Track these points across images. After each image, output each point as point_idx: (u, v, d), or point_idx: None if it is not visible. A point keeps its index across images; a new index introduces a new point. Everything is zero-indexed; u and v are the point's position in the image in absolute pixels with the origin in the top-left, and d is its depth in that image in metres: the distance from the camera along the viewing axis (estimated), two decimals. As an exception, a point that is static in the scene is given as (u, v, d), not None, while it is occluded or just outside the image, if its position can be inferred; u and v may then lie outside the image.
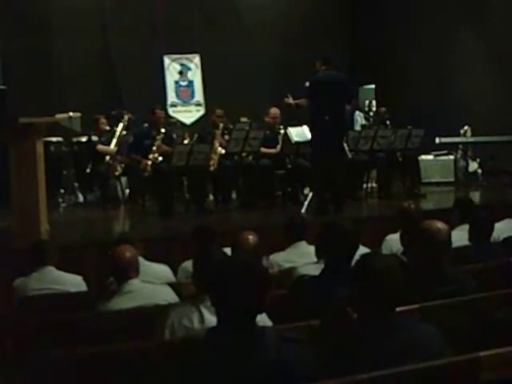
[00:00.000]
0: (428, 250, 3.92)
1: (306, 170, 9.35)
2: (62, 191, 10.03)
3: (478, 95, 12.05)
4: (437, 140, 11.27)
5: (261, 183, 9.45)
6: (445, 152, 11.54)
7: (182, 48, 12.67)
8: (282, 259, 5.34)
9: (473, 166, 11.35)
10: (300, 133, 9.71)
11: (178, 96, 12.71)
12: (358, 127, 11.73)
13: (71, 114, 10.47)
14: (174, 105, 12.63)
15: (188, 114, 12.66)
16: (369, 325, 2.81)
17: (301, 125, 9.72)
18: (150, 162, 9.19)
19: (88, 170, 9.98)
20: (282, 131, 9.83)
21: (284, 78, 12.60)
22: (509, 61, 11.84)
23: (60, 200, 9.89)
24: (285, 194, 9.88)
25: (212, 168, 9.26)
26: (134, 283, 4.26)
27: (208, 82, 12.68)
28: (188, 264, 4.96)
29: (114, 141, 9.91)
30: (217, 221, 8.35)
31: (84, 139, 10.27)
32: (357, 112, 12.23)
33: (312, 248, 4.67)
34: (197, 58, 12.82)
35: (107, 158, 9.80)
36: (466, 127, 11.33)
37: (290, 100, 9.17)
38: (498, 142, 11.16)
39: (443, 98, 12.57)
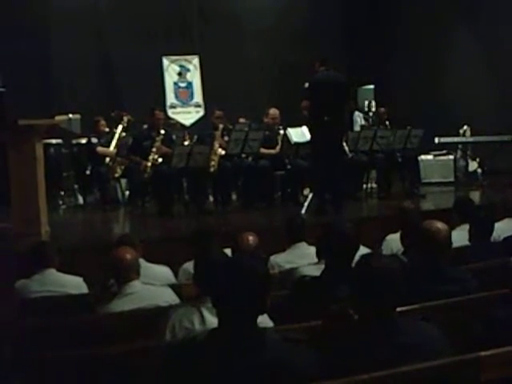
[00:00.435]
0: (428, 250, 3.92)
1: (306, 171, 9.35)
2: (62, 193, 10.04)
3: (477, 95, 12.06)
4: (436, 140, 11.28)
5: (260, 184, 9.46)
6: (444, 152, 11.54)
7: (180, 49, 12.68)
8: (282, 260, 5.35)
9: (472, 165, 11.36)
10: (299, 133, 9.72)
11: (177, 97, 12.72)
12: (357, 128, 11.75)
13: (71, 115, 10.48)
14: (173, 106, 12.64)
15: (187, 116, 12.66)
16: (369, 325, 2.81)
17: (300, 125, 9.73)
18: (149, 164, 9.20)
19: (88, 172, 9.98)
20: (282, 132, 9.84)
21: (283, 78, 12.61)
22: (507, 60, 11.85)
23: (60, 202, 9.90)
24: (284, 195, 9.88)
25: (212, 169, 9.27)
26: (135, 285, 4.26)
27: (207, 84, 12.68)
28: (189, 265, 4.97)
29: (114, 142, 9.92)
30: (217, 222, 8.35)
31: (84, 141, 10.26)
32: (356, 112, 12.25)
33: (312, 249, 4.68)
34: (196, 60, 12.83)
35: (107, 159, 9.80)
36: (465, 127, 11.35)
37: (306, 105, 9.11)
38: (498, 142, 11.17)
39: (442, 98, 12.59)
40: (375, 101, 13.19)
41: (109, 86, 12.48)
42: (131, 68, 12.17)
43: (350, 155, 9.79)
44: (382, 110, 11.13)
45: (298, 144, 9.70)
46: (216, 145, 9.41)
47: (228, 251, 4.61)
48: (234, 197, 9.81)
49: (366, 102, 13.02)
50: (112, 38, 12.58)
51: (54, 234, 7.25)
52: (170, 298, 4.32)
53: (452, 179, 11.34)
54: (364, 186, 10.37)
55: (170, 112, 12.45)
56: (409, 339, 2.77)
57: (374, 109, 12.50)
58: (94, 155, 9.91)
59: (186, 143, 10.11)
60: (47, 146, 9.48)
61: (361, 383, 2.60)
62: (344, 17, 14.21)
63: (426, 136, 10.31)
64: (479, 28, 12.53)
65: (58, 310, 4.47)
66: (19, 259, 5.68)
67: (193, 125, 12.39)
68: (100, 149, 9.90)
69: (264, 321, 3.20)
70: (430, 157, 11.49)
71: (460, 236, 5.11)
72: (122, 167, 9.79)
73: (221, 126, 9.60)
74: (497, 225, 5.34)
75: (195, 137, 10.11)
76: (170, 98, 12.66)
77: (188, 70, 12.84)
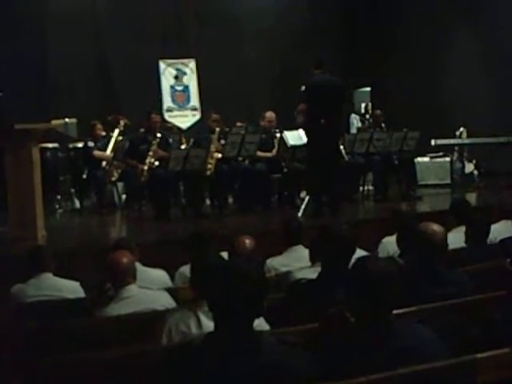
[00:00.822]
0: (425, 253, 3.93)
1: (302, 174, 9.36)
2: (59, 197, 10.03)
3: (474, 96, 12.08)
4: (432, 142, 11.29)
5: (257, 187, 9.45)
6: (441, 154, 11.56)
7: (177, 53, 12.68)
8: (278, 263, 5.34)
9: (469, 167, 11.37)
10: (296, 136, 9.72)
11: (173, 101, 12.71)
12: (353, 130, 11.75)
13: (67, 119, 10.48)
14: (169, 109, 12.63)
15: (184, 119, 12.65)
16: (366, 328, 2.81)
17: (296, 128, 9.73)
18: (146, 167, 9.20)
19: (84, 176, 9.96)
20: (278, 135, 9.84)
21: (280, 81, 12.61)
22: (504, 62, 11.87)
23: (57, 206, 9.89)
24: (281, 198, 9.89)
25: (208, 172, 9.27)
26: (132, 289, 4.26)
27: (204, 87, 12.68)
28: (185, 269, 4.96)
29: (110, 146, 9.91)
30: (213, 225, 8.35)
31: (80, 145, 10.26)
32: (353, 115, 12.25)
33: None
34: (192, 63, 12.82)
35: (103, 163, 9.79)
36: (461, 129, 11.36)
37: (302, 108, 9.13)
38: (494, 143, 11.19)
39: (439, 100, 12.61)
40: (371, 103, 13.19)
41: (105, 89, 12.48)
42: (128, 71, 12.17)
43: (347, 158, 9.81)
44: (378, 112, 11.14)
45: (294, 147, 9.70)
46: (213, 148, 9.42)
47: (225, 254, 4.61)
48: (230, 200, 9.81)
49: (363, 105, 13.02)
50: (109, 41, 12.58)
51: (51, 238, 7.25)
52: (166, 301, 4.32)
53: (448, 181, 11.35)
54: (360, 188, 10.39)
55: (166, 115, 12.44)
56: (405, 342, 2.77)
57: (370, 111, 12.49)
58: (90, 159, 9.90)
59: (183, 147, 10.11)
60: (44, 150, 9.48)
61: (358, 386, 2.60)
62: (340, 19, 14.22)
63: (422, 138, 10.33)
64: (477, 30, 12.56)
65: (55, 314, 4.46)
66: (16, 263, 5.68)
67: (189, 128, 12.37)
68: (97, 153, 9.89)
69: (260, 324, 3.20)
70: (426, 159, 11.51)
71: (456, 238, 5.12)
72: (119, 171, 9.78)
73: (217, 129, 9.61)
74: (493, 227, 5.35)
75: (192, 140, 10.11)
76: (167, 101, 12.64)
77: (184, 74, 12.83)
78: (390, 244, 5.60)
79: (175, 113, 12.66)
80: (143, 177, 9.16)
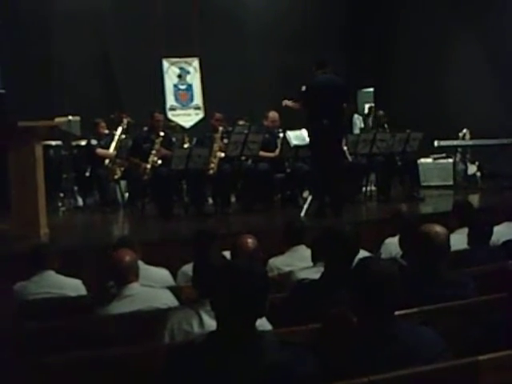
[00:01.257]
0: (427, 254, 3.92)
1: (305, 174, 9.36)
2: (62, 195, 10.03)
3: (477, 98, 12.06)
4: (435, 143, 11.28)
5: (260, 187, 9.45)
6: (444, 155, 11.54)
7: (180, 51, 12.68)
8: (281, 263, 5.34)
9: (472, 169, 11.36)
10: (299, 136, 9.72)
11: (176, 99, 12.71)
12: (356, 131, 11.75)
13: (70, 117, 10.47)
14: (173, 108, 12.63)
15: (187, 118, 12.65)
16: (368, 328, 2.81)
17: (300, 128, 9.73)
18: (149, 166, 9.21)
19: (87, 174, 9.99)
20: (281, 135, 9.84)
21: (283, 81, 12.60)
22: (507, 63, 11.85)
23: (59, 204, 9.89)
24: (284, 198, 9.89)
25: (211, 171, 9.28)
26: (134, 287, 4.26)
27: (207, 86, 12.68)
28: (188, 268, 4.97)
29: (114, 144, 9.93)
30: (216, 224, 8.35)
31: (83, 143, 10.28)
32: (355, 115, 12.25)
33: (311, 252, 4.68)
34: (196, 62, 12.83)
35: (106, 161, 9.81)
36: (464, 130, 11.35)
37: (288, 103, 9.13)
38: (497, 145, 11.18)
39: (442, 101, 12.59)
40: (375, 104, 13.18)
41: (109, 87, 12.48)
42: (131, 70, 12.19)
43: (350, 158, 9.80)
44: (381, 112, 11.13)
45: (297, 147, 9.70)
46: (216, 147, 9.42)
47: (227, 254, 4.61)
48: (233, 199, 9.81)
49: (366, 105, 13.02)
50: (112, 39, 12.59)
51: (54, 235, 7.26)
52: (168, 300, 4.32)
53: (451, 182, 11.34)
54: (363, 189, 10.38)
55: (169, 114, 12.44)
56: (408, 343, 2.77)
57: (373, 112, 12.49)
58: (93, 157, 9.92)
59: (186, 145, 10.12)
60: (47, 148, 9.49)
61: (359, 387, 2.60)
62: (343, 19, 14.21)
63: (425, 139, 10.32)
64: (481, 31, 12.53)
65: (57, 312, 4.47)
66: (18, 261, 5.69)
67: (192, 127, 12.38)
68: (100, 151, 9.91)
69: (263, 324, 3.20)
70: (429, 160, 11.50)
71: (459, 240, 5.11)
72: (122, 169, 9.80)
73: (220, 128, 9.61)
74: (496, 228, 5.33)
75: (195, 139, 10.12)
76: (170, 100, 12.65)
77: (188, 73, 12.83)
78: (392, 245, 5.60)
79: (178, 111, 12.66)
80: (146, 175, 9.17)
